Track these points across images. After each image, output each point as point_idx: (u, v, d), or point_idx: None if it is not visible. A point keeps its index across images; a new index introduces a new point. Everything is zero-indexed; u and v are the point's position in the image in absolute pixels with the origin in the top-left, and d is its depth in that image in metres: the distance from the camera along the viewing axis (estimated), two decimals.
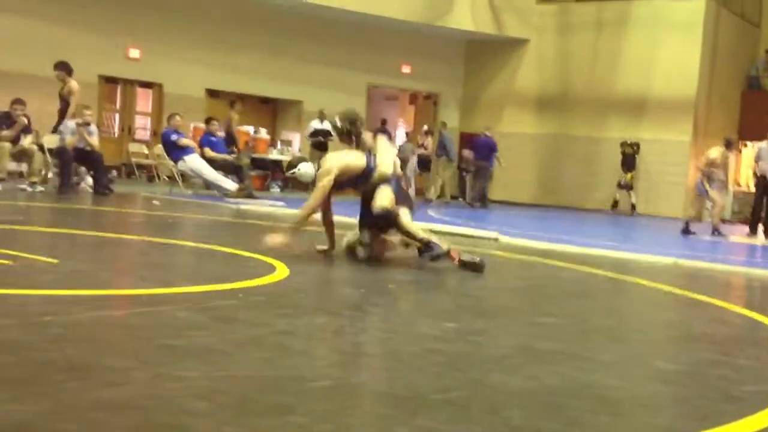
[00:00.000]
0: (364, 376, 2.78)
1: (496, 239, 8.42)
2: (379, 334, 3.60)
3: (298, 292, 4.46)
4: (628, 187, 17.61)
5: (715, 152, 11.78)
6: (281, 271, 5.01)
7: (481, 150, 16.64)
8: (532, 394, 2.74)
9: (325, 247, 5.97)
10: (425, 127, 19.33)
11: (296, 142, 18.13)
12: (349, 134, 6.09)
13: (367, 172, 5.76)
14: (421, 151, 17.86)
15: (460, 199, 18.11)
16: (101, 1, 15.41)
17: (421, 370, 2.90)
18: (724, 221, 14.07)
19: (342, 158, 5.92)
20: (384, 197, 5.63)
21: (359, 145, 6.03)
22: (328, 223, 6.00)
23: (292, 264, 5.31)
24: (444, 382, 2.78)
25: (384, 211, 5.59)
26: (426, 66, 19.74)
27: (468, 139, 19.46)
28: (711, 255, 8.78)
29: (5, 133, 10.80)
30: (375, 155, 5.82)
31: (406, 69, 19.83)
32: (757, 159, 12.80)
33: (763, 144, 12.71)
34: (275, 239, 5.75)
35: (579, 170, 18.81)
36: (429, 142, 18.56)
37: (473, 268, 5.60)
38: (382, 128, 16.12)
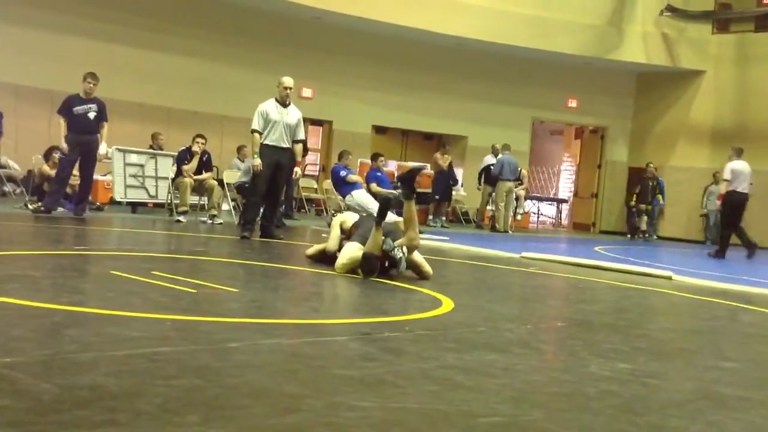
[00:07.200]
0: (537, 414, 2.73)
1: (669, 278, 8.08)
2: (550, 373, 3.53)
3: (464, 327, 4.46)
4: None
5: None
6: (446, 304, 5.04)
7: None
8: None
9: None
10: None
11: (459, 177, 18.21)
12: None
13: None
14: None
15: (628, 236, 17.52)
16: (277, 45, 16.25)
17: (595, 411, 2.82)
18: None
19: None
20: None
21: None
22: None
23: (456, 297, 5.34)
24: (620, 426, 2.68)
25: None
26: (593, 99, 19.35)
27: (636, 174, 18.83)
28: None
29: (186, 167, 11.55)
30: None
31: (572, 103, 19.52)
32: None
33: None
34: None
35: (757, 207, 17.75)
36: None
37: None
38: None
